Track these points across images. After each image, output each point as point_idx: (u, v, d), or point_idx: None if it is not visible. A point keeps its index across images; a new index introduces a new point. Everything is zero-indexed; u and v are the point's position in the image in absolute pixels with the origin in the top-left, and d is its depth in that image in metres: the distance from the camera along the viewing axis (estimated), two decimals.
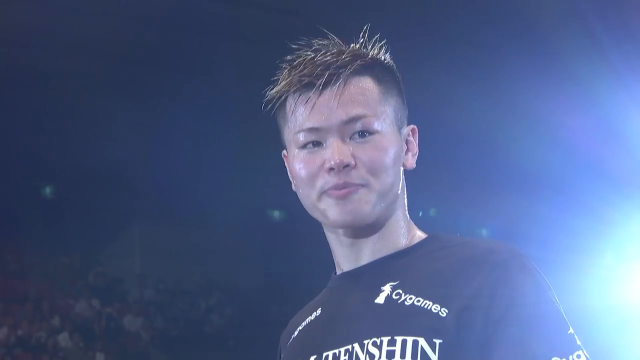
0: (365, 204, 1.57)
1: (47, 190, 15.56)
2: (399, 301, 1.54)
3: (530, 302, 1.50)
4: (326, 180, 1.57)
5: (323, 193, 1.58)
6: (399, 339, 1.49)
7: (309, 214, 1.66)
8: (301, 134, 1.60)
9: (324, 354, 1.58)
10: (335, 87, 1.57)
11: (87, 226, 14.80)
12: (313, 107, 1.58)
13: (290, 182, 1.69)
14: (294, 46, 1.63)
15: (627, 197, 10.32)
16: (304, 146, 1.60)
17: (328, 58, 1.60)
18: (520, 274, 1.52)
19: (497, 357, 1.46)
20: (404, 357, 1.47)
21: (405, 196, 1.67)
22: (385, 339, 1.50)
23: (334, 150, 1.56)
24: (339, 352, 1.56)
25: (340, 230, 1.63)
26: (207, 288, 15.92)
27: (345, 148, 1.56)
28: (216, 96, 11.69)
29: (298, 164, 1.61)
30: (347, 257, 1.66)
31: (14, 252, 14.56)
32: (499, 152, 10.88)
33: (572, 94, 9.95)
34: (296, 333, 1.70)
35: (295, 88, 1.59)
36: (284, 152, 1.69)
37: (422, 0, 9.59)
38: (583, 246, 10.51)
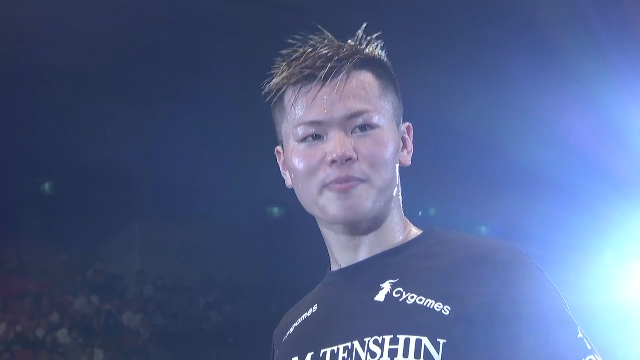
0: (366, 200, 1.56)
1: (47, 187, 15.54)
2: (401, 299, 1.52)
3: (539, 304, 1.48)
4: (328, 173, 1.56)
5: (324, 187, 1.57)
6: (401, 337, 1.47)
7: (308, 212, 1.65)
8: (302, 126, 1.58)
9: (322, 351, 1.56)
10: (337, 80, 1.56)
11: (86, 223, 14.79)
12: (314, 99, 1.57)
13: (284, 180, 1.68)
14: (290, 41, 1.62)
15: (626, 195, 10.31)
16: (303, 139, 1.58)
17: (329, 51, 1.59)
18: (525, 275, 1.51)
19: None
20: (407, 357, 1.45)
21: (401, 193, 1.66)
22: (388, 338, 1.48)
23: (336, 144, 1.55)
24: (338, 349, 1.54)
25: (338, 227, 1.61)
26: (206, 285, 15.91)
27: (347, 141, 1.55)
28: (215, 94, 11.67)
29: (297, 157, 1.59)
30: (343, 253, 1.64)
31: (13, 249, 14.55)
32: (498, 151, 10.87)
33: (571, 92, 9.94)
34: (292, 330, 1.68)
35: (295, 79, 1.58)
36: (278, 148, 1.68)
37: None
38: (582, 244, 10.50)
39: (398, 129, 1.63)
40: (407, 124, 1.68)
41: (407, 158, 1.66)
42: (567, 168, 10.82)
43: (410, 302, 1.51)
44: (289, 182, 1.67)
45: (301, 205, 1.65)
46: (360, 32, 1.63)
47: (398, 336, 1.47)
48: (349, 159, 1.54)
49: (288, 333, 1.69)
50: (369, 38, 1.63)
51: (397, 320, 1.50)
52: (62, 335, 12.91)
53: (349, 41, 1.62)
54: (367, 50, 1.62)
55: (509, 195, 11.76)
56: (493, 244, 1.57)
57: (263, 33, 9.05)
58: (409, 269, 1.57)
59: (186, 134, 12.67)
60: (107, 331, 13.50)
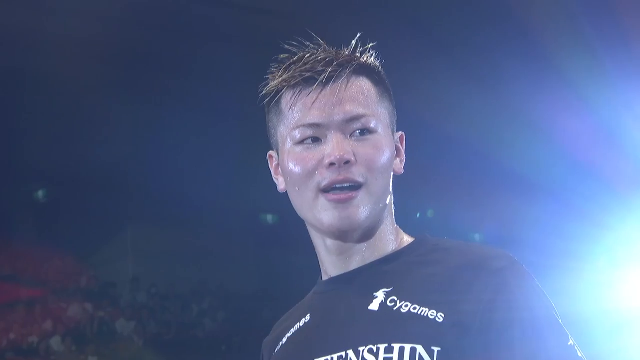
0: (363, 209, 1.56)
1: (40, 193, 15.52)
2: (395, 308, 1.52)
3: (531, 311, 1.49)
4: (324, 176, 1.55)
5: (320, 191, 1.56)
6: (396, 346, 1.47)
7: (300, 217, 1.64)
8: (300, 129, 1.57)
9: None
10: (337, 84, 1.57)
11: (79, 230, 14.77)
12: (314, 102, 1.56)
13: (276, 185, 1.67)
14: (286, 47, 1.62)
15: (620, 200, 10.32)
16: (301, 142, 1.58)
17: (327, 56, 1.59)
18: (519, 283, 1.51)
19: None
20: None
21: (393, 202, 1.66)
22: (382, 346, 1.48)
23: (335, 146, 1.54)
24: (332, 358, 1.53)
25: (330, 234, 1.60)
26: (199, 292, 15.90)
27: (346, 144, 1.55)
28: (211, 100, 11.67)
29: (294, 160, 1.58)
30: (334, 263, 1.63)
31: (6, 256, 14.51)
32: (492, 156, 10.88)
33: (566, 97, 9.96)
34: (284, 340, 1.67)
35: (294, 82, 1.58)
36: (270, 152, 1.67)
37: (416, 3, 9.58)
38: (576, 250, 10.50)
39: (393, 137, 1.63)
40: (400, 133, 1.68)
41: (400, 167, 1.66)
42: (561, 173, 10.84)
43: (404, 311, 1.50)
44: (281, 186, 1.65)
45: (295, 212, 1.63)
46: (354, 42, 1.63)
47: (392, 345, 1.47)
48: (347, 162, 1.54)
49: (281, 344, 1.67)
50: (363, 48, 1.64)
51: (391, 329, 1.49)
52: (56, 342, 12.88)
53: (344, 50, 1.62)
54: (363, 58, 1.62)
55: (503, 200, 11.77)
56: (486, 251, 1.56)
57: (259, 39, 9.06)
58: (403, 277, 1.56)
59: (180, 141, 12.66)
60: (100, 338, 13.48)
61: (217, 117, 12.01)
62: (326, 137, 1.56)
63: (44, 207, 15.35)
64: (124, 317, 14.25)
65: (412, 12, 9.68)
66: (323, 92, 1.56)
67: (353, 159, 1.54)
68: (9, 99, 11.76)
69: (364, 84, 1.60)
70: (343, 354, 1.52)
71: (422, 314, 1.48)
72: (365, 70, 1.61)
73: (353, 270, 1.61)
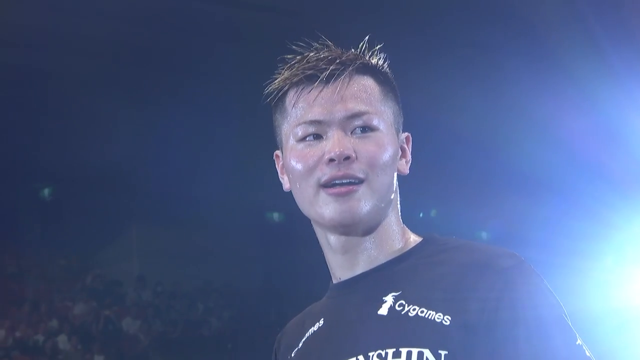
0: (365, 203, 1.55)
1: (46, 191, 15.55)
2: (403, 312, 1.52)
3: (538, 310, 1.49)
4: (324, 172, 1.55)
5: (320, 186, 1.56)
6: (404, 350, 1.48)
7: (305, 215, 1.64)
8: (301, 126, 1.58)
9: None
10: (338, 82, 1.57)
11: (85, 228, 14.80)
12: (315, 99, 1.57)
13: (282, 184, 1.67)
14: (293, 47, 1.62)
15: (627, 199, 10.31)
16: (302, 139, 1.58)
17: (331, 54, 1.60)
18: (526, 281, 1.51)
19: None
20: None
21: (399, 201, 1.66)
22: (390, 351, 1.49)
23: (335, 142, 1.55)
24: None
25: (333, 231, 1.60)
26: (205, 291, 15.91)
27: (346, 140, 1.55)
28: (215, 98, 11.68)
29: (295, 156, 1.59)
30: (341, 264, 1.64)
31: (11, 254, 14.54)
32: (498, 154, 10.88)
33: (571, 96, 9.94)
34: (300, 345, 1.68)
35: (297, 80, 1.58)
36: (276, 152, 1.68)
37: (420, 2, 9.58)
38: (583, 248, 10.49)
39: (397, 136, 1.63)
40: (407, 134, 1.68)
41: (405, 167, 1.66)
42: (567, 171, 10.82)
43: (412, 315, 1.51)
44: (286, 185, 1.66)
45: (300, 211, 1.63)
46: (362, 44, 1.63)
47: (400, 349, 1.48)
48: (347, 158, 1.54)
49: (297, 349, 1.68)
50: (372, 49, 1.64)
51: (399, 333, 1.50)
52: (62, 341, 12.90)
53: (351, 50, 1.63)
54: (368, 58, 1.63)
55: (510, 199, 11.77)
56: (493, 250, 1.56)
57: (263, 37, 9.06)
58: (411, 279, 1.57)
59: (185, 139, 12.67)
60: (106, 337, 13.49)
61: (223, 116, 12.02)
62: (327, 134, 1.56)
63: (50, 206, 15.39)
64: (129, 316, 14.27)
65: (417, 11, 9.68)
66: (325, 90, 1.57)
67: (353, 155, 1.54)
68: (16, 97, 11.78)
69: (367, 82, 1.60)
70: (354, 359, 1.53)
71: (429, 317, 1.49)
72: (369, 70, 1.61)
73: (362, 274, 1.61)
